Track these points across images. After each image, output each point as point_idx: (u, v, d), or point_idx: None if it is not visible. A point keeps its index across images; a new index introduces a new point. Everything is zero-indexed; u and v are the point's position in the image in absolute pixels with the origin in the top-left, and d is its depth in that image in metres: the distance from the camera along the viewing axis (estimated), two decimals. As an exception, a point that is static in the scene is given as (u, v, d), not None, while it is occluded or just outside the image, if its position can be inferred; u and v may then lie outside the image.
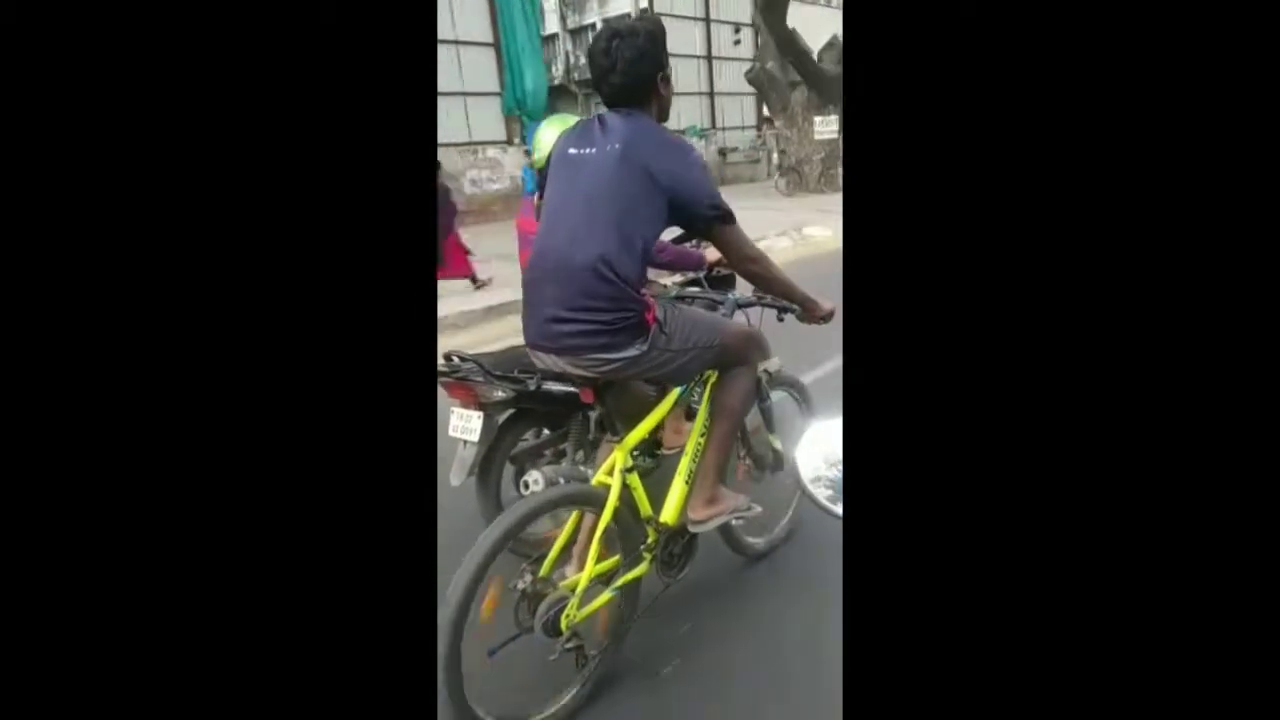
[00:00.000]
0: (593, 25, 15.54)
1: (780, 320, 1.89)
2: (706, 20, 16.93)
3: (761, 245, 1.59)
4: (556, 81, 15.78)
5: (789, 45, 11.07)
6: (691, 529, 1.69)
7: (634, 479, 1.59)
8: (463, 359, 1.87)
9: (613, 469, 1.55)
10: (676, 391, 1.70)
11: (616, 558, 1.60)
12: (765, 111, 15.25)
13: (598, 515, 1.52)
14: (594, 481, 1.56)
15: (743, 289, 1.98)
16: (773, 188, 13.29)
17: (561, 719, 1.52)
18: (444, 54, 11.37)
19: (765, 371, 1.95)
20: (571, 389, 1.70)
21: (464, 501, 1.94)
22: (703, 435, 1.69)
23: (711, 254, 2.15)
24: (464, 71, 12.05)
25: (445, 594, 1.28)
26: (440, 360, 1.87)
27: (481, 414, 1.85)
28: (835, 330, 1.13)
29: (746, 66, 14.15)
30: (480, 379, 1.82)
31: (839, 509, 0.79)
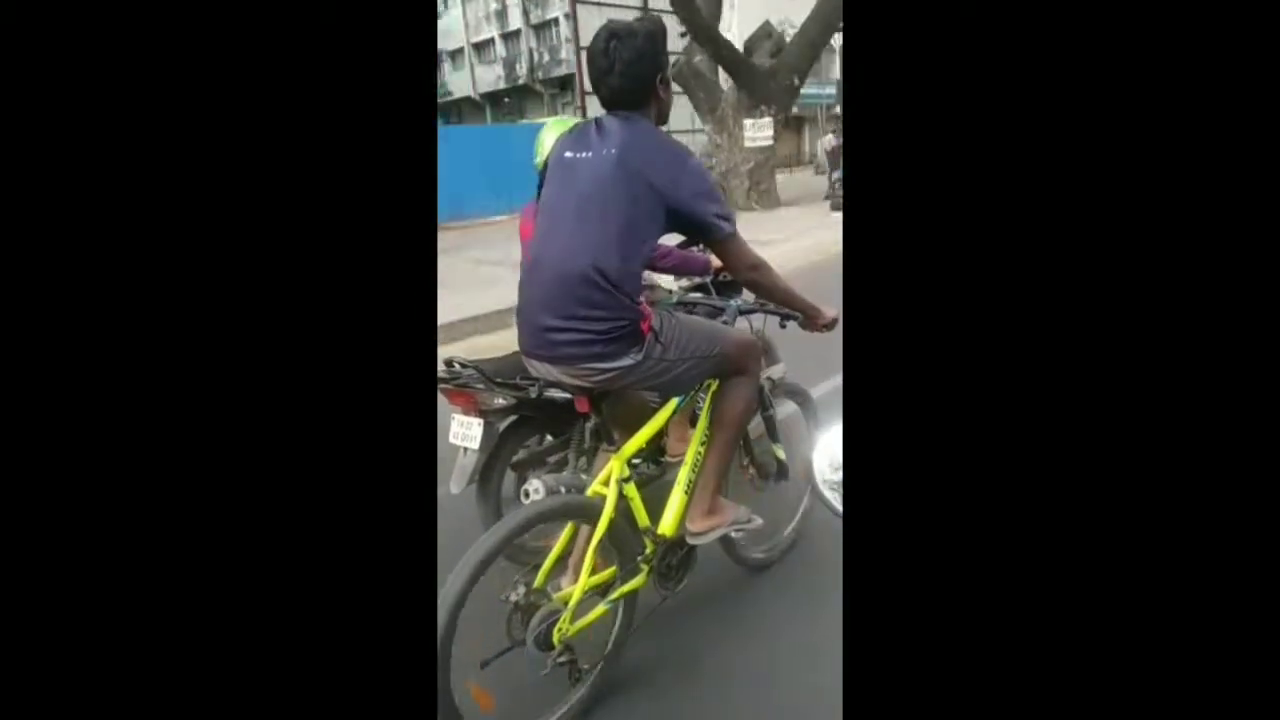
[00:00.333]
0: (556, 20, 14.64)
1: (782, 327, 1.85)
2: (644, 9, 15.06)
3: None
4: (520, 81, 15.10)
5: (704, 34, 8.84)
6: (690, 540, 1.66)
7: (631, 489, 1.56)
8: (463, 365, 1.85)
9: (609, 479, 1.52)
10: (675, 401, 1.66)
11: (613, 569, 1.57)
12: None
13: (594, 526, 1.49)
14: (589, 492, 1.53)
15: (748, 294, 1.94)
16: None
17: None
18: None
19: (769, 380, 1.92)
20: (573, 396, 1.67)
21: (465, 509, 1.93)
22: (703, 445, 1.66)
23: (717, 259, 2.12)
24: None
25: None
26: (441, 367, 1.86)
27: (482, 421, 1.83)
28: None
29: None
30: (481, 386, 1.80)
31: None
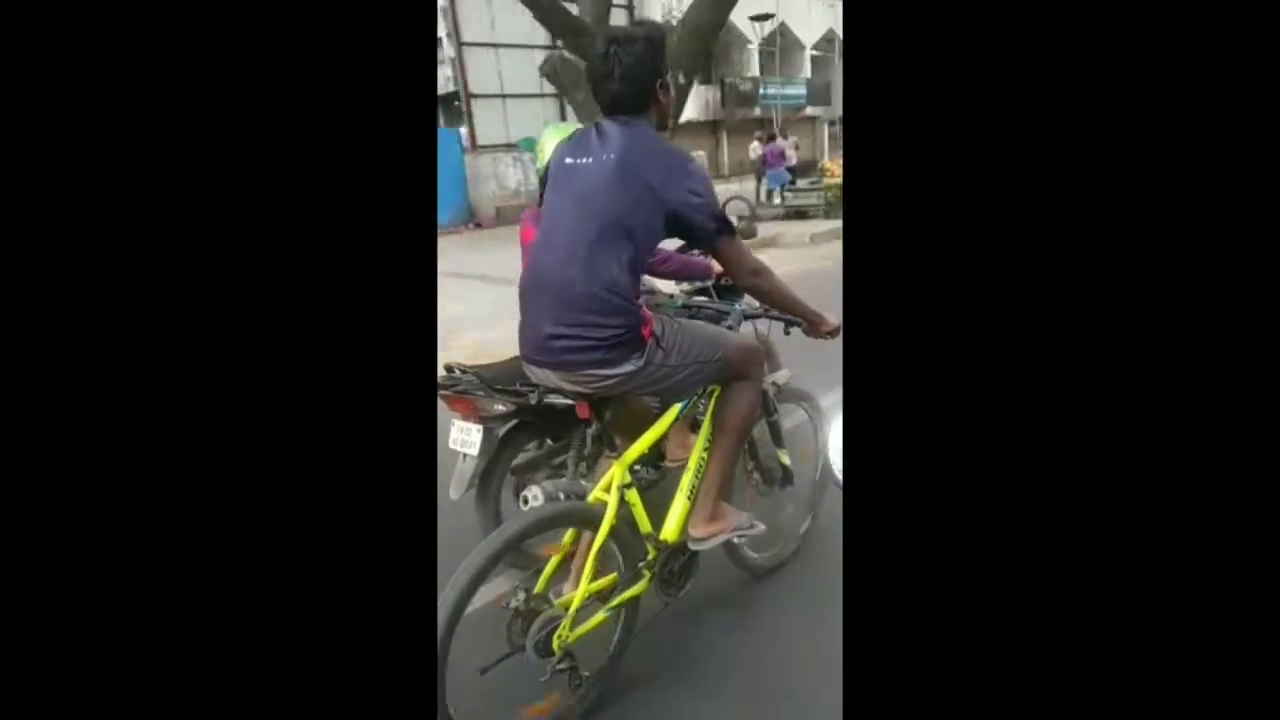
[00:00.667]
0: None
1: (786, 333, 1.84)
2: (552, 47, 14.36)
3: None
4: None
5: (557, 21, 5.71)
6: (692, 546, 1.65)
7: (633, 495, 1.55)
8: (463, 371, 1.84)
9: (610, 485, 1.51)
10: (677, 406, 1.65)
11: (614, 575, 1.56)
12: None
13: (594, 532, 1.48)
14: (590, 498, 1.52)
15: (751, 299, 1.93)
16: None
17: None
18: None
19: (774, 385, 1.90)
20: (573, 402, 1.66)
21: (464, 514, 1.92)
22: (705, 450, 1.65)
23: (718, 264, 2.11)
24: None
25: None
26: (440, 373, 1.85)
27: (481, 427, 1.83)
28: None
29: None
30: (480, 392, 1.79)
31: None
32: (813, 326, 1.70)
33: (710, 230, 1.40)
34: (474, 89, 14.95)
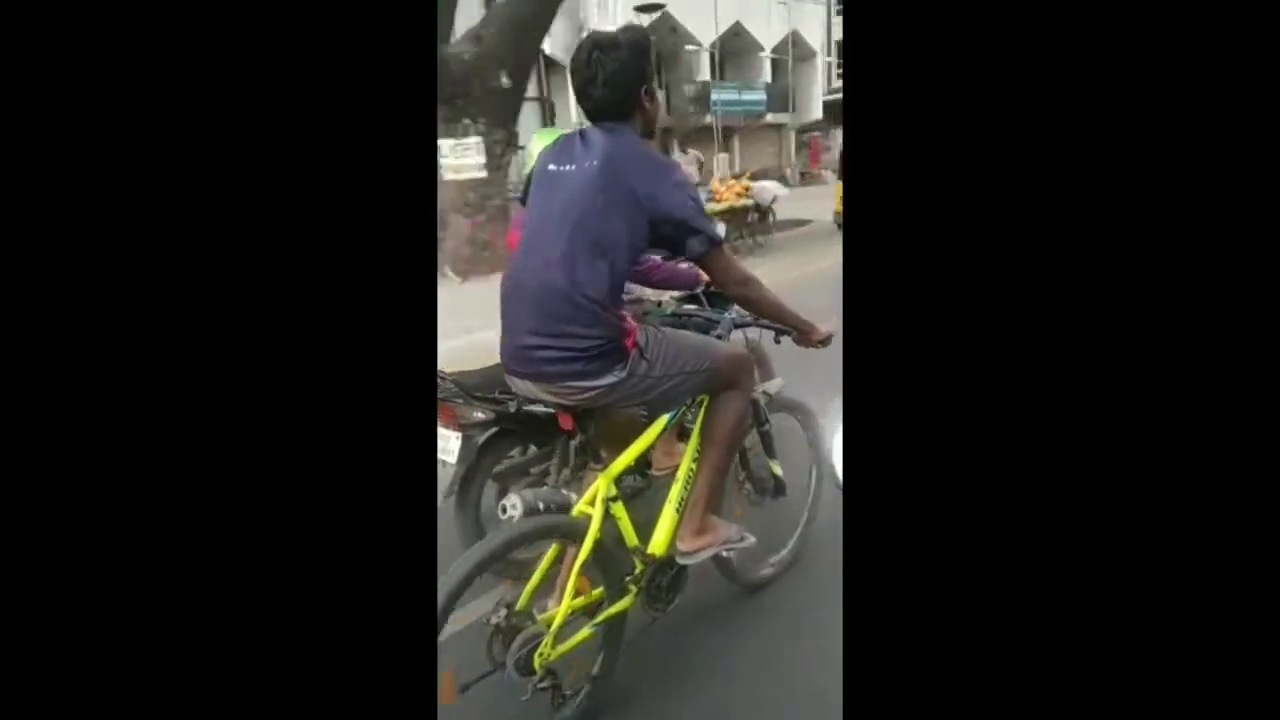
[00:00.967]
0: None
1: (777, 342, 1.81)
2: None
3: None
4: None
5: None
6: (680, 560, 1.60)
7: (619, 508, 1.51)
8: (442, 378, 1.80)
9: (594, 499, 1.46)
10: (665, 417, 1.61)
11: (600, 590, 1.51)
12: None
13: (578, 547, 1.44)
14: (575, 511, 1.47)
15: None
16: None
17: None
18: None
19: (765, 394, 1.87)
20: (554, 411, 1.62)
21: (443, 522, 1.86)
22: (694, 461, 1.61)
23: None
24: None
25: None
26: (421, 378, 1.80)
27: (460, 434, 1.78)
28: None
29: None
30: (459, 400, 1.75)
31: None
32: (803, 335, 1.67)
33: (695, 240, 1.36)
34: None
